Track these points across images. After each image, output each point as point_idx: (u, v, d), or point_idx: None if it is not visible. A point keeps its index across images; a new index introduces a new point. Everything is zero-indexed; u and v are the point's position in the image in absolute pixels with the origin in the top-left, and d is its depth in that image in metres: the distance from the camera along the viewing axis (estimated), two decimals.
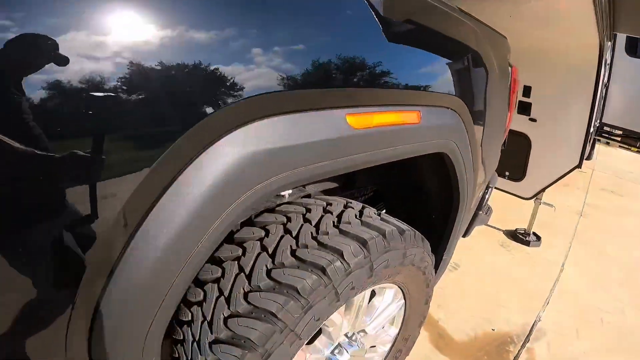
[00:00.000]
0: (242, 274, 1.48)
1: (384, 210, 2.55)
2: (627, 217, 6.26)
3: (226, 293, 1.46)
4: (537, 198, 4.67)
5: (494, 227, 5.10)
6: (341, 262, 1.42)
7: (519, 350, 3.24)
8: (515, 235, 4.86)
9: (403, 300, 2.05)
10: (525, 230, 4.92)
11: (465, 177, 1.97)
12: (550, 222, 5.33)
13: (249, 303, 1.38)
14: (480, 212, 2.64)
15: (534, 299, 3.89)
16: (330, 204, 1.73)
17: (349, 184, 2.29)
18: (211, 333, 1.40)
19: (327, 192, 2.14)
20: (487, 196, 2.63)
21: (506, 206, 5.40)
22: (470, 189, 2.08)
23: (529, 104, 4.27)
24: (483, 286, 3.97)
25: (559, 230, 5.31)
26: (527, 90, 4.23)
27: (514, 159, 4.44)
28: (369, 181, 2.38)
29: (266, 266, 1.45)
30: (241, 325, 1.35)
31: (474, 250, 4.50)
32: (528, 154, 4.44)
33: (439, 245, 2.26)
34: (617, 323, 3.70)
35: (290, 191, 1.84)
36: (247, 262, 1.50)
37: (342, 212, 1.69)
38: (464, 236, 2.70)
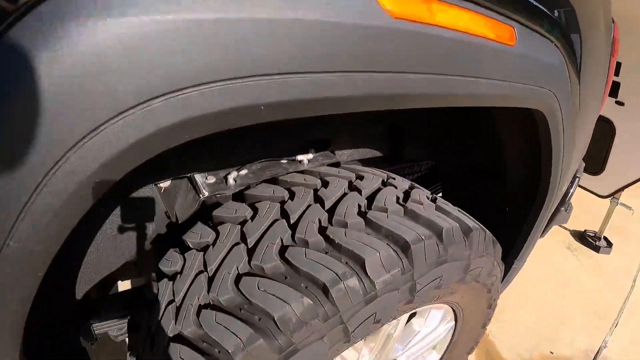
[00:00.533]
0: (204, 274, 0.94)
1: (440, 194, 1.94)
2: None
3: (178, 300, 0.93)
4: (614, 197, 3.93)
5: (560, 226, 4.37)
6: (359, 279, 0.84)
7: None
8: (584, 238, 4.12)
9: (453, 322, 1.46)
10: (595, 233, 4.11)
11: (561, 153, 1.33)
12: (622, 227, 4.56)
13: (200, 325, 0.84)
14: (562, 209, 1.99)
15: (601, 318, 3.22)
16: (361, 178, 1.15)
17: (397, 156, 1.68)
18: (151, 350, 0.92)
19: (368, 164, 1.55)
20: (572, 189, 1.98)
21: (575, 202, 4.69)
22: (565, 173, 1.46)
23: (618, 84, 3.54)
24: (546, 295, 3.33)
25: (632, 237, 4.55)
26: (616, 67, 3.51)
27: (594, 148, 3.72)
28: (423, 152, 1.75)
29: (237, 268, 0.89)
30: (183, 357, 0.81)
31: (540, 251, 3.84)
32: (610, 144, 3.69)
33: (511, 249, 1.64)
34: None
35: (310, 155, 1.27)
36: (215, 256, 0.95)
37: (377, 192, 1.10)
38: (542, 236, 2.08)
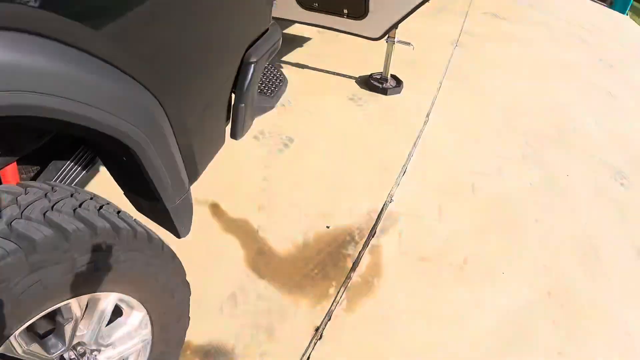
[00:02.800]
0: None
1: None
2: (510, 45, 5.06)
3: None
4: (389, 37, 3.63)
5: (344, 75, 3.99)
6: None
7: (359, 252, 2.40)
8: (370, 83, 3.88)
9: None
10: (381, 74, 3.86)
11: None
12: (417, 59, 4.23)
13: None
14: (249, 97, 1.59)
15: (387, 170, 2.97)
16: None
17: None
18: None
19: None
20: (250, 75, 1.57)
21: (355, 49, 4.30)
22: None
23: None
24: (322, 165, 2.99)
25: (428, 68, 4.24)
26: None
27: None
28: None
29: None
30: None
31: (313, 115, 3.51)
32: None
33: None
34: (492, 189, 2.99)
35: None
36: None
37: None
38: (235, 138, 1.70)
